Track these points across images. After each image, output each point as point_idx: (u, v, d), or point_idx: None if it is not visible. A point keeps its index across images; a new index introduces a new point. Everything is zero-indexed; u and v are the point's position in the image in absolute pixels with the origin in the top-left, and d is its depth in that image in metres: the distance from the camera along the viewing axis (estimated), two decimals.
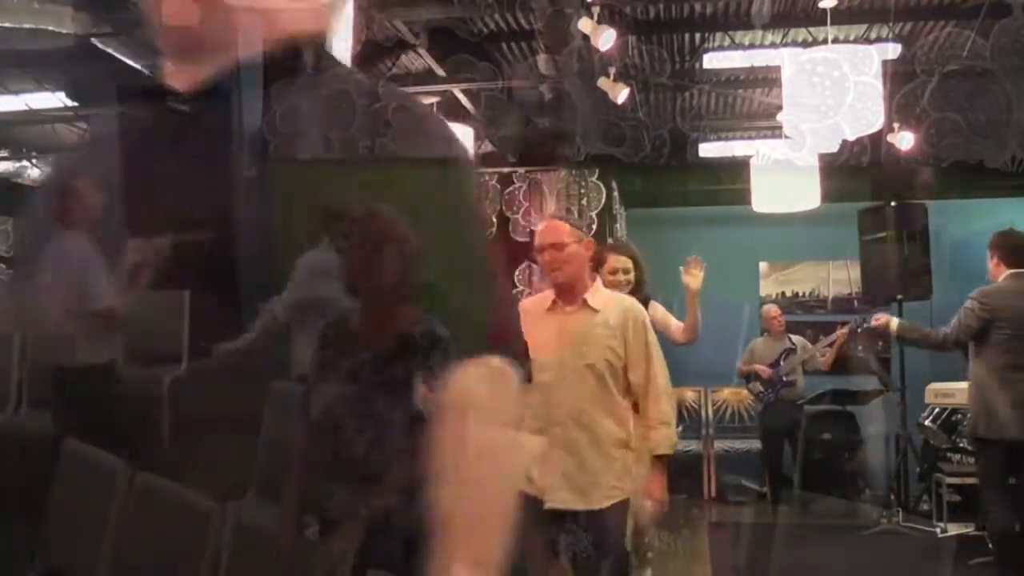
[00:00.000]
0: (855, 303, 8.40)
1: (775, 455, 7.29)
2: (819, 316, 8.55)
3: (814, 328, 8.23)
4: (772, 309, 7.52)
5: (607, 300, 3.27)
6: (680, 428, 8.14)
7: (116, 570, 1.47)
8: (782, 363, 7.23)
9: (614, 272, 4.30)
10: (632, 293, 4.06)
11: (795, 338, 7.41)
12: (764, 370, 7.22)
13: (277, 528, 1.43)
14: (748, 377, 7.41)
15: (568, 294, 3.22)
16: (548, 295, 3.28)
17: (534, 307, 3.24)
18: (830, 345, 7.28)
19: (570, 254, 3.18)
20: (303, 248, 1.08)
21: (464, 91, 6.75)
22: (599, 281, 3.41)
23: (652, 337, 3.26)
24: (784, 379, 7.23)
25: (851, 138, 4.92)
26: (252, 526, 1.55)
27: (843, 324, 7.26)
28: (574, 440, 3.10)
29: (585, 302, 3.21)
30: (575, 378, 3.11)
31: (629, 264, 4.36)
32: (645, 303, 3.97)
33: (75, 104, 7.38)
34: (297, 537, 1.40)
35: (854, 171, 6.75)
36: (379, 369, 1.25)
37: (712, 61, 6.77)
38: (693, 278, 4.38)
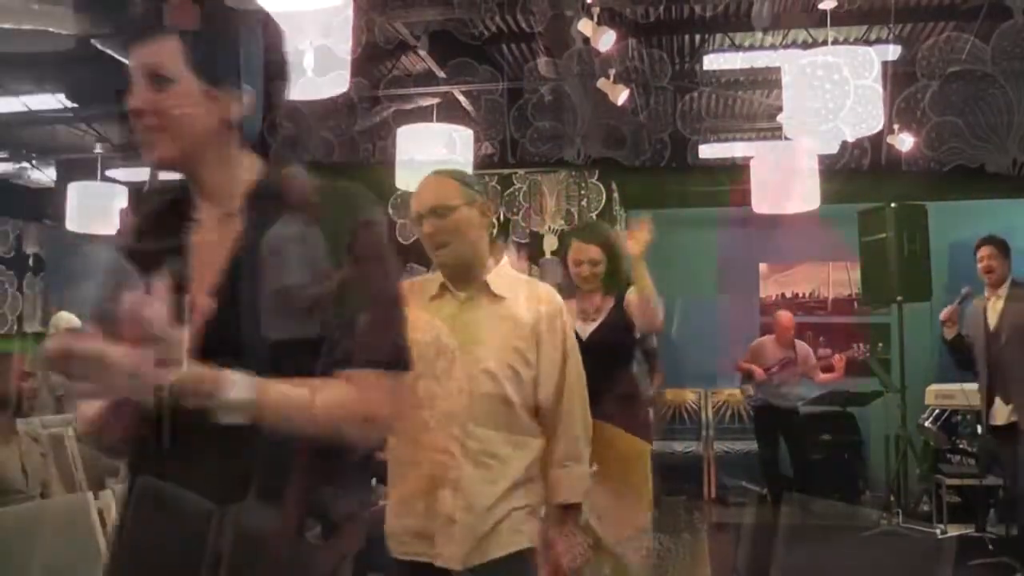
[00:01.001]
0: (855, 304, 8.41)
1: (769, 457, 7.28)
2: (819, 317, 8.55)
3: (814, 330, 8.24)
4: (786, 317, 7.46)
5: (515, 284, 2.44)
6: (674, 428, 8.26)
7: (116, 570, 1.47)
8: (775, 371, 7.21)
9: (578, 264, 3.60)
10: (607, 290, 3.59)
11: (800, 345, 7.39)
12: (759, 372, 7.21)
13: (278, 530, 1.43)
14: (744, 376, 7.40)
15: (460, 276, 2.38)
16: (436, 278, 2.43)
17: (415, 293, 2.35)
18: (826, 369, 7.26)
19: (459, 221, 2.33)
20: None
21: (465, 92, 6.76)
22: (508, 258, 2.59)
23: (572, 343, 2.47)
24: (775, 386, 7.21)
25: (851, 139, 4.93)
26: (253, 528, 1.55)
27: (841, 355, 7.26)
28: (462, 473, 2.28)
29: (485, 286, 2.38)
30: (466, 389, 2.30)
31: (598, 254, 3.58)
32: (622, 298, 3.53)
33: (75, 105, 7.39)
34: (298, 539, 1.40)
35: (854, 172, 6.75)
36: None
37: (712, 62, 6.78)
38: (635, 242, 3.51)
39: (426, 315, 2.31)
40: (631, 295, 3.56)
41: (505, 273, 2.46)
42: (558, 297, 2.47)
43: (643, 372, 5.26)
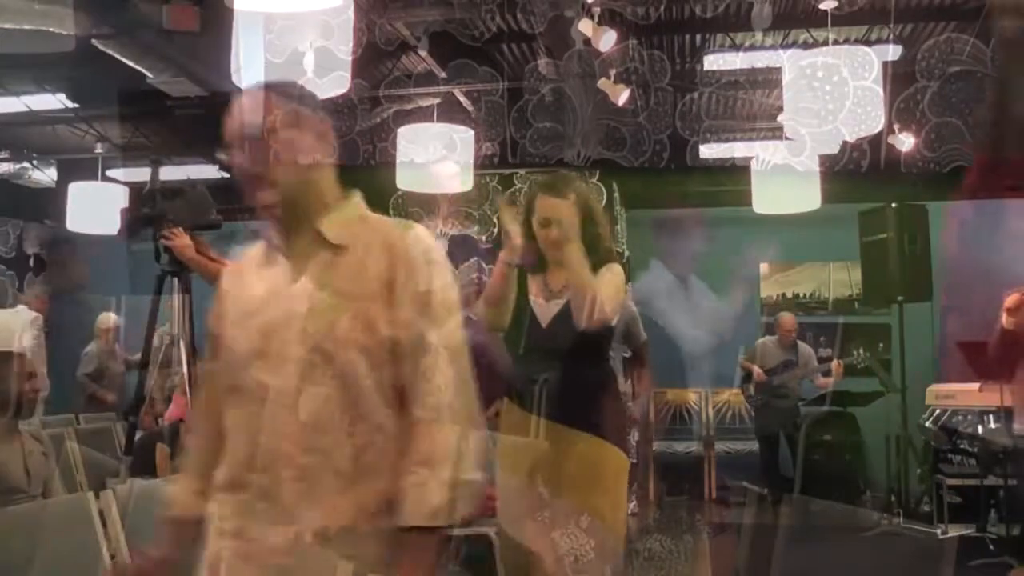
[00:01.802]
0: (856, 304, 8.41)
1: (769, 457, 7.29)
2: (820, 318, 8.56)
3: (814, 330, 8.24)
4: (788, 320, 7.46)
5: (363, 228, 1.66)
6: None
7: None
8: (775, 375, 7.22)
9: (545, 224, 2.85)
10: (595, 263, 2.80)
11: (802, 347, 7.39)
12: (759, 373, 7.22)
13: (276, 531, 1.45)
14: (744, 376, 7.41)
15: (289, 226, 1.66)
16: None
17: (247, 263, 1.73)
18: (826, 373, 7.25)
19: (284, 145, 1.61)
20: None
21: (465, 93, 6.76)
22: (357, 198, 1.72)
23: (444, 298, 1.63)
24: (775, 388, 7.21)
25: (851, 139, 4.93)
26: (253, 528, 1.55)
27: (840, 362, 7.25)
28: (288, 499, 1.54)
29: (318, 236, 1.63)
30: (301, 379, 1.57)
31: (570, 211, 2.81)
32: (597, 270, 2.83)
33: (75, 105, 7.39)
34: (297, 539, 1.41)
35: (854, 173, 6.76)
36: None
37: (712, 63, 6.78)
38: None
39: (253, 286, 1.67)
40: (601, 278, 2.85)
41: (349, 212, 1.68)
42: (423, 240, 1.66)
43: (620, 369, 4.75)
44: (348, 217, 1.67)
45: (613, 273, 2.92)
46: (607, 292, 2.80)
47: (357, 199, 1.72)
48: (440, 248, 1.70)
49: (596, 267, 2.82)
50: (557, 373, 2.57)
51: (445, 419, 1.56)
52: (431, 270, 1.63)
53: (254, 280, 1.67)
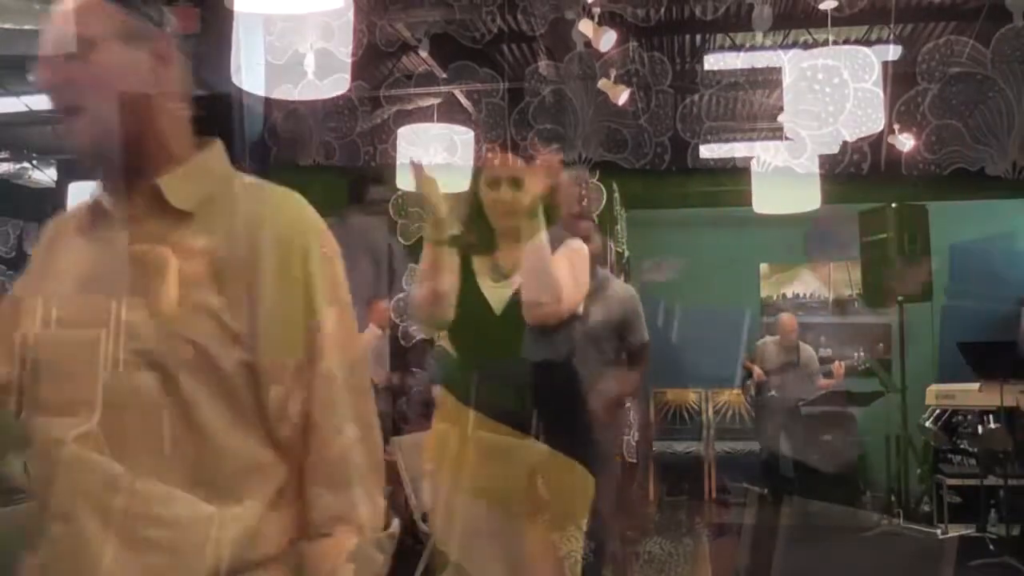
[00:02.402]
0: (856, 305, 8.42)
1: (770, 457, 7.29)
2: (820, 318, 8.56)
3: (814, 330, 8.24)
4: (789, 320, 7.46)
5: (222, 191, 1.22)
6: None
7: None
8: (775, 376, 7.22)
9: (494, 185, 2.31)
10: (537, 232, 2.24)
11: (804, 348, 7.39)
12: (760, 373, 7.22)
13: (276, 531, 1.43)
14: (746, 376, 7.41)
15: (117, 180, 1.22)
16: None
17: (64, 228, 1.35)
18: (827, 375, 7.26)
19: (105, 65, 1.17)
20: None
21: (466, 94, 6.76)
22: (218, 150, 1.27)
23: (327, 285, 1.20)
24: (775, 388, 7.21)
25: (851, 140, 4.93)
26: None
27: (841, 363, 7.26)
28: (100, 551, 1.12)
29: (157, 197, 1.19)
30: (113, 396, 1.13)
31: (520, 171, 2.27)
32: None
33: None
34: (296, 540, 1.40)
35: (854, 174, 6.76)
36: None
37: (712, 63, 6.78)
38: (539, 176, 2.29)
39: (71, 260, 1.25)
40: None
41: (205, 167, 1.22)
42: (306, 215, 1.22)
43: (598, 367, 3.41)
44: (201, 174, 1.20)
45: (573, 250, 2.39)
46: (566, 274, 2.28)
47: (217, 150, 1.25)
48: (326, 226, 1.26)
49: (555, 245, 2.32)
50: (513, 371, 2.14)
51: (339, 475, 1.15)
52: (314, 253, 1.18)
53: (71, 253, 1.25)
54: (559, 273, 2.26)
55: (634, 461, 6.47)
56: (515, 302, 2.32)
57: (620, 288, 3.73)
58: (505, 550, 2.31)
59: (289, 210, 1.21)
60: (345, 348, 1.19)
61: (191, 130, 1.25)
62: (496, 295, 2.36)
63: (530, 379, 2.29)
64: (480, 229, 2.41)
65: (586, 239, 2.60)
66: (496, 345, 2.25)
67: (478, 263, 2.41)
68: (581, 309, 2.47)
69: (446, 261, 2.28)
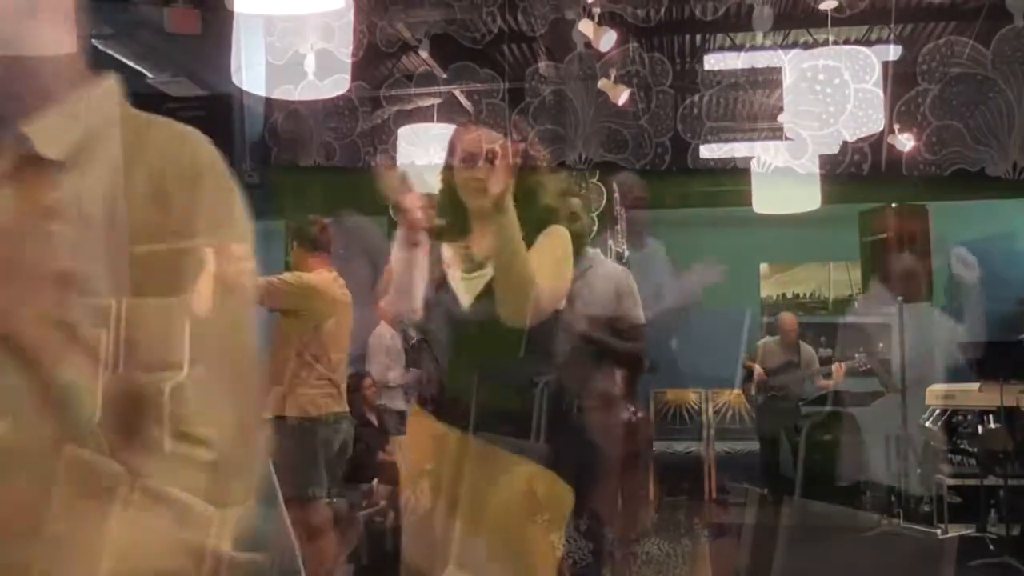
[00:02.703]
0: (855, 304, 8.42)
1: (770, 457, 7.30)
2: (820, 318, 8.57)
3: (814, 330, 8.24)
4: (789, 319, 7.47)
5: (105, 135, 0.92)
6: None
7: None
8: (775, 376, 7.22)
9: (469, 157, 2.12)
10: (531, 224, 2.04)
11: (805, 348, 7.40)
12: (760, 373, 7.23)
13: (276, 531, 1.44)
14: (746, 376, 7.42)
15: None
16: None
17: None
18: (827, 375, 7.27)
19: None
20: None
21: (466, 94, 6.77)
22: (111, 85, 0.96)
23: (212, 216, 0.92)
24: (775, 388, 7.22)
25: (851, 140, 4.94)
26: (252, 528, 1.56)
27: (841, 362, 7.26)
28: None
29: (23, 143, 0.85)
30: None
31: (495, 146, 1.99)
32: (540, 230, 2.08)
33: None
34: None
35: (855, 174, 6.77)
36: None
37: (713, 63, 6.79)
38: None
39: None
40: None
41: (88, 110, 0.93)
42: (206, 148, 0.99)
43: (586, 359, 2.98)
44: (80, 116, 0.93)
45: (553, 239, 2.12)
46: (545, 269, 2.02)
47: (110, 86, 0.98)
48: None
49: (533, 232, 2.07)
50: (485, 370, 1.94)
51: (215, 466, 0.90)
52: (222, 207, 0.96)
53: None
54: (543, 269, 2.03)
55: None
56: (487, 295, 2.08)
57: (610, 268, 3.35)
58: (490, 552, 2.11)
59: (192, 148, 1.00)
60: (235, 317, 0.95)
61: (81, 68, 0.96)
62: (466, 287, 2.14)
63: (507, 379, 2.07)
64: (453, 211, 2.20)
65: (572, 218, 2.33)
66: (465, 342, 2.06)
67: (449, 252, 2.22)
68: (563, 304, 2.22)
69: (416, 264, 2.15)
